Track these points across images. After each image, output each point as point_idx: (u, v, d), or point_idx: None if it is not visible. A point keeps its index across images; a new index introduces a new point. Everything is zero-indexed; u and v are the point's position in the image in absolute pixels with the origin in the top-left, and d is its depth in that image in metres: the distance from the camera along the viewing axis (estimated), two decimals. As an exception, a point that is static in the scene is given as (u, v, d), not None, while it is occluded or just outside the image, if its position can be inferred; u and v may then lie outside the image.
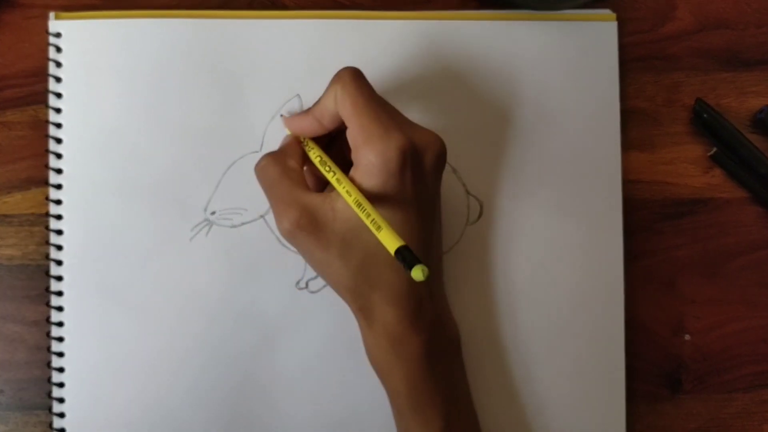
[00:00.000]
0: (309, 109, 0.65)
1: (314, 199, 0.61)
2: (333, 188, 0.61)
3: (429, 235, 0.64)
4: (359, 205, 0.58)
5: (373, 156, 0.59)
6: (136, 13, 0.71)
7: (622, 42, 0.75)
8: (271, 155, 0.65)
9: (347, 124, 0.61)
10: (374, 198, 0.59)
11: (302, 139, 0.66)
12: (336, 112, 0.62)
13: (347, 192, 0.59)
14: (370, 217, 0.57)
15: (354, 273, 0.61)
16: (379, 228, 0.56)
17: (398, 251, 0.54)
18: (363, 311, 0.63)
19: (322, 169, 0.63)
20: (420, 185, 0.62)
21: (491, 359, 0.72)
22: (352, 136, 0.61)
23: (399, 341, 0.62)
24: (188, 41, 0.71)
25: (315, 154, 0.64)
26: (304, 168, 0.66)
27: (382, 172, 0.59)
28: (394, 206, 0.60)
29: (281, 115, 0.71)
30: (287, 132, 0.68)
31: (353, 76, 0.62)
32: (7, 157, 0.72)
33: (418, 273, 0.52)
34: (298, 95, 0.71)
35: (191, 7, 0.73)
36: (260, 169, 0.65)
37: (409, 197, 0.61)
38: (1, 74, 0.73)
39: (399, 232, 0.57)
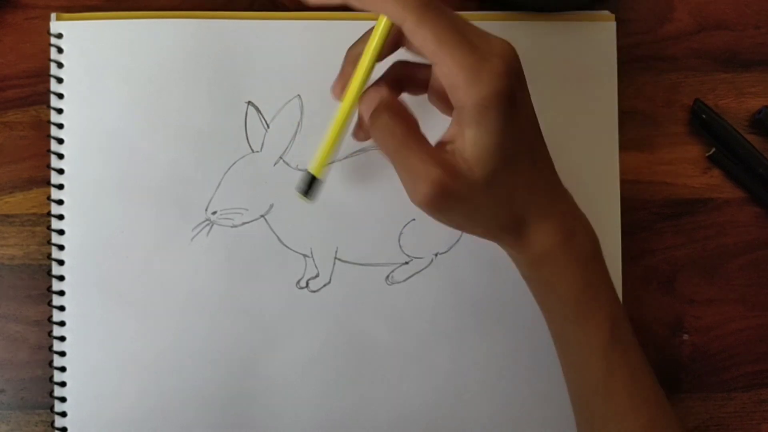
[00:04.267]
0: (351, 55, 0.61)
1: (445, 161, 0.55)
2: (454, 135, 0.56)
3: (540, 136, 0.61)
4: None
5: (486, 89, 0.53)
6: (137, 14, 0.72)
7: (621, 43, 0.75)
8: (391, 110, 0.58)
9: (432, 59, 0.55)
10: (499, 135, 0.55)
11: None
12: (392, 24, 0.56)
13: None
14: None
15: (507, 207, 0.58)
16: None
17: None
18: (521, 237, 0.60)
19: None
20: (530, 105, 0.59)
21: (490, 358, 0.73)
22: (447, 74, 0.54)
23: (564, 248, 0.61)
24: (189, 42, 0.71)
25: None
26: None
27: (501, 104, 0.54)
28: (519, 139, 0.57)
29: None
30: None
31: (426, 2, 0.54)
32: (8, 158, 0.73)
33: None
34: (298, 95, 0.71)
35: (192, 8, 0.73)
36: (383, 129, 0.58)
37: (530, 123, 0.59)
38: (3, 74, 0.73)
39: (532, 168, 0.58)
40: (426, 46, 0.54)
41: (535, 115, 0.59)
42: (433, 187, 0.55)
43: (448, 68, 0.54)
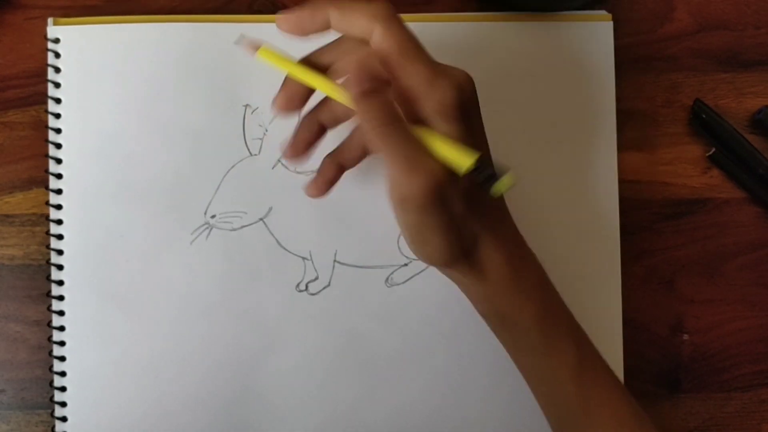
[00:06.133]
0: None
1: (437, 168, 0.54)
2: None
3: None
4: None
5: (449, 91, 0.55)
6: (135, 18, 0.71)
7: (621, 43, 0.75)
8: (392, 112, 0.56)
9: (396, 71, 0.56)
10: (462, 134, 0.55)
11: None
12: (359, 29, 0.56)
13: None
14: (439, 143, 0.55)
15: (460, 224, 0.57)
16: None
17: (477, 163, 0.52)
18: (475, 267, 0.60)
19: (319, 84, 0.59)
20: (475, 108, 0.59)
21: (489, 357, 0.73)
22: (409, 84, 0.56)
23: (518, 278, 0.61)
24: (187, 46, 0.71)
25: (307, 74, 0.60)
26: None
27: (458, 109, 0.55)
28: (477, 137, 0.58)
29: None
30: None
31: (397, 17, 0.56)
32: (9, 158, 0.73)
33: (505, 184, 0.52)
34: (297, 98, 0.71)
35: (192, 9, 0.73)
36: (385, 127, 0.55)
37: (481, 132, 0.60)
38: (3, 75, 0.73)
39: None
40: (390, 55, 0.56)
41: (486, 142, 0.61)
42: (433, 180, 0.54)
43: (408, 75, 0.55)
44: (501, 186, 0.52)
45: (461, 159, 0.53)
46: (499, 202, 0.62)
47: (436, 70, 0.56)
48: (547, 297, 0.63)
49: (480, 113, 0.59)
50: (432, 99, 0.55)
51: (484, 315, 0.64)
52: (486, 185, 0.53)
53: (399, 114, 0.56)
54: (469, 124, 0.56)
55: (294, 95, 0.61)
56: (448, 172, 0.54)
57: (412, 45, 0.56)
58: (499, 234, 0.60)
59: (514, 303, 0.61)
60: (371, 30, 0.56)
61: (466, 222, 0.58)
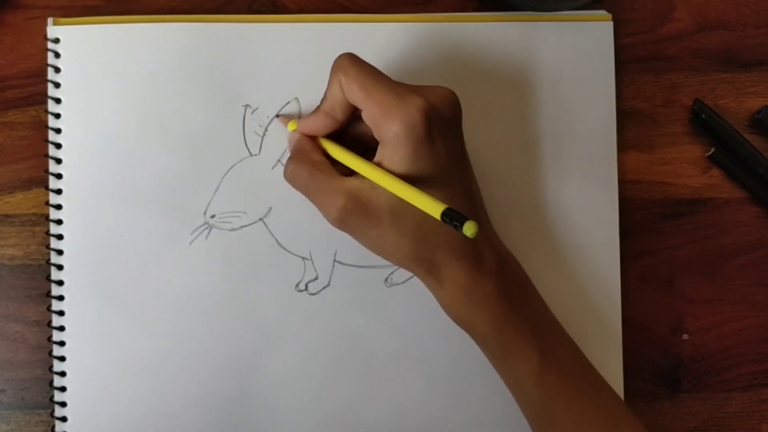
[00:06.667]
0: (318, 107, 0.66)
1: (353, 183, 0.61)
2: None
3: (469, 186, 0.65)
4: (390, 183, 0.59)
5: (397, 126, 0.59)
6: (135, 18, 0.71)
7: (621, 43, 0.75)
8: (296, 158, 0.65)
9: (361, 106, 0.61)
10: (410, 165, 0.60)
11: (318, 139, 0.67)
12: (346, 101, 0.62)
13: (374, 174, 0.60)
14: (404, 190, 0.58)
15: (411, 240, 0.62)
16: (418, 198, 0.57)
17: (444, 215, 0.54)
18: (431, 273, 0.64)
19: (346, 160, 0.63)
20: (448, 140, 0.62)
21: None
22: (370, 115, 0.61)
23: (472, 289, 0.63)
24: (187, 46, 0.71)
25: (334, 149, 0.65)
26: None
27: (410, 139, 0.59)
28: (430, 168, 0.60)
29: (276, 116, 0.71)
30: (288, 131, 0.69)
31: (351, 60, 0.62)
32: (9, 158, 0.73)
33: (469, 229, 0.52)
34: (296, 98, 0.71)
35: (192, 9, 0.73)
36: (291, 175, 0.65)
37: (442, 156, 0.61)
38: (3, 75, 0.73)
39: (441, 192, 0.59)
40: (355, 96, 0.61)
41: (460, 153, 0.65)
42: (339, 213, 0.61)
43: (370, 109, 0.61)
44: (466, 231, 0.53)
45: (432, 211, 0.56)
46: (470, 206, 0.65)
47: (394, 102, 0.60)
48: (507, 306, 0.64)
49: (452, 131, 0.63)
50: (386, 131, 0.60)
51: (450, 317, 0.66)
52: (455, 228, 0.54)
53: (305, 167, 0.64)
54: (419, 153, 0.60)
55: (319, 126, 0.67)
56: (355, 197, 0.61)
57: (370, 80, 0.61)
58: (460, 246, 0.63)
59: (470, 312, 0.64)
60: (338, 81, 0.62)
61: (416, 234, 0.62)
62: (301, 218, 0.71)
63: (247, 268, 0.71)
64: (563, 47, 0.74)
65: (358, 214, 0.61)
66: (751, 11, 0.77)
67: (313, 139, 0.67)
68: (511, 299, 0.64)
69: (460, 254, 0.63)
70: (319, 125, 0.66)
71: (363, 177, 0.61)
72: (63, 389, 0.70)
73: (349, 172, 0.63)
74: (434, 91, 0.62)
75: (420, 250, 0.62)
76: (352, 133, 0.67)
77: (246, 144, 0.71)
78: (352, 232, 0.64)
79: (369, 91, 0.60)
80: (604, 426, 0.64)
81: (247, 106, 0.71)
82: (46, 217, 0.70)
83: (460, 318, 0.65)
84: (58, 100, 0.70)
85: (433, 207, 0.55)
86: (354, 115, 0.64)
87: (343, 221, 0.62)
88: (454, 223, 0.53)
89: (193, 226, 0.71)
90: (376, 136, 0.61)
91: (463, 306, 0.64)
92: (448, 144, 0.62)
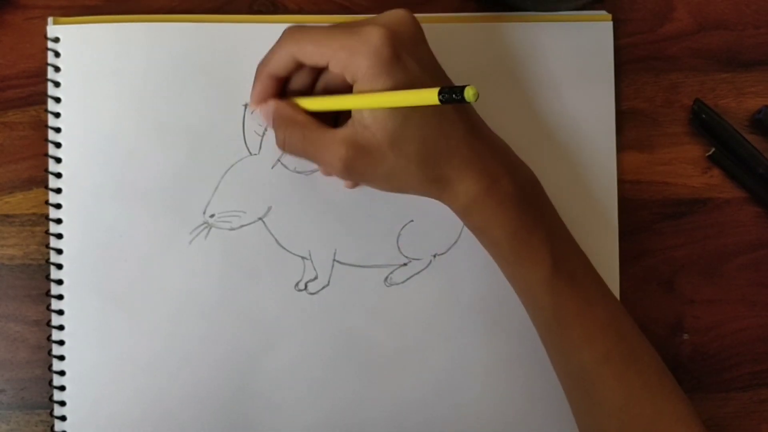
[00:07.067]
0: (258, 75, 0.67)
1: (346, 131, 0.62)
2: (349, 114, 0.62)
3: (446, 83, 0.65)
4: (378, 100, 0.59)
5: (364, 59, 0.59)
6: (135, 17, 0.71)
7: (621, 43, 0.75)
8: (282, 125, 0.66)
9: (323, 61, 0.62)
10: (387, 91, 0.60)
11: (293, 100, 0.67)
12: (290, 63, 0.64)
13: (361, 101, 0.60)
14: (394, 98, 0.58)
15: (418, 163, 0.62)
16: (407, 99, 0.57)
17: (440, 94, 0.53)
18: (445, 191, 0.64)
19: (329, 104, 0.64)
20: (417, 56, 0.62)
21: (486, 356, 0.73)
22: (336, 63, 0.61)
23: (486, 194, 0.63)
24: (186, 46, 0.71)
25: (312, 101, 0.66)
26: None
27: (383, 67, 0.59)
28: (407, 87, 0.60)
29: (244, 105, 0.72)
30: (259, 109, 0.69)
31: (295, 29, 0.64)
32: (8, 158, 0.72)
33: (470, 91, 0.52)
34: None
35: (191, 9, 0.73)
36: (285, 142, 0.66)
37: (416, 72, 0.61)
38: (3, 75, 0.73)
39: (427, 109, 0.60)
40: (314, 56, 0.62)
41: (434, 66, 0.65)
42: (343, 162, 0.62)
43: (334, 57, 0.61)
44: (468, 98, 0.52)
45: (427, 98, 0.55)
46: (471, 122, 0.65)
47: (353, 41, 0.60)
48: (521, 212, 0.64)
49: (417, 47, 0.63)
50: (356, 72, 0.60)
51: (467, 226, 0.68)
52: (457, 103, 0.54)
53: (297, 129, 0.65)
54: (396, 77, 0.60)
55: (267, 89, 0.67)
56: (354, 142, 0.61)
57: (323, 37, 0.62)
58: (470, 156, 0.63)
59: (483, 219, 0.65)
60: (292, 53, 0.64)
61: (421, 155, 0.62)
62: (301, 218, 0.71)
63: (246, 267, 0.71)
64: (563, 47, 0.74)
65: (362, 157, 0.61)
66: (751, 11, 0.77)
67: (288, 103, 0.67)
68: (527, 203, 0.65)
69: (468, 164, 0.63)
70: (267, 86, 0.67)
71: (353, 123, 0.61)
72: (62, 388, 0.70)
73: (334, 125, 0.65)
74: (388, 16, 0.62)
75: (428, 170, 0.62)
76: (320, 92, 0.67)
77: (246, 143, 0.71)
78: (361, 177, 0.65)
79: (324, 44, 0.61)
80: (613, 336, 0.65)
81: (246, 105, 0.71)
82: (46, 217, 0.70)
83: (474, 225, 0.66)
84: (58, 100, 0.70)
85: (427, 95, 0.54)
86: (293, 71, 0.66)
87: (350, 168, 0.62)
88: (454, 96, 0.52)
89: (192, 225, 0.71)
90: (348, 80, 0.61)
91: (479, 213, 0.64)
92: (419, 60, 0.62)
